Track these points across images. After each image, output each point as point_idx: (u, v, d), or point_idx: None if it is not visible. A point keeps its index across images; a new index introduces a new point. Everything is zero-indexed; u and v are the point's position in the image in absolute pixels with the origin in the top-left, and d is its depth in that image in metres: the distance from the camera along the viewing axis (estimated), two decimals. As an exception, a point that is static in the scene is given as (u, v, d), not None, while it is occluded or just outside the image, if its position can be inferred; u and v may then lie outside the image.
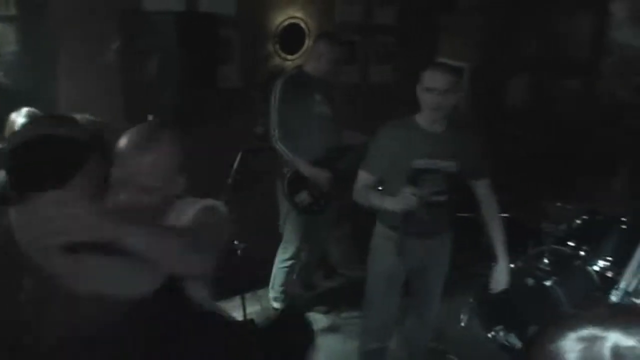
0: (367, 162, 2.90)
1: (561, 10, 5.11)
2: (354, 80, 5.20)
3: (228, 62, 4.27)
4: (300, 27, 4.70)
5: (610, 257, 3.70)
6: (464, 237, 3.12)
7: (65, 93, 3.61)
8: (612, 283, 3.02)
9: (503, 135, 4.55)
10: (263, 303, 4.22)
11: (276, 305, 4.18)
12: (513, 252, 3.84)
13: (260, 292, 4.33)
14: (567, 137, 4.93)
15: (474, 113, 5.61)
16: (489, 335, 3.70)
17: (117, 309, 1.46)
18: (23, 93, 3.38)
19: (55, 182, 1.44)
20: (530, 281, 3.53)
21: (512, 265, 3.73)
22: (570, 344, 0.88)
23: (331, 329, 4.09)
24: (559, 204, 3.93)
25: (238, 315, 3.57)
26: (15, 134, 2.35)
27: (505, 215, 3.99)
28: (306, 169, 3.73)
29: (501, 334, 3.66)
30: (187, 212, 1.66)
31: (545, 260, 3.62)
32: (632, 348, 0.85)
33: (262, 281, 4.25)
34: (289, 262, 4.07)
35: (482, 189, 2.97)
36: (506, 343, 3.62)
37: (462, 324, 3.79)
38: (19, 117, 2.85)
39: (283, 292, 4.16)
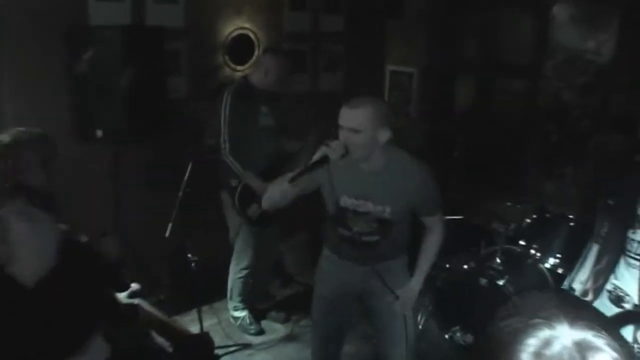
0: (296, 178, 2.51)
1: (505, 14, 5.25)
2: (305, 88, 5.22)
3: (177, 74, 4.25)
4: (249, 38, 4.69)
5: (560, 254, 3.80)
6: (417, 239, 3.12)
7: (12, 109, 3.52)
8: (564, 279, 3.10)
9: (451, 138, 4.61)
10: (220, 316, 4.18)
11: (237, 314, 4.15)
12: (466, 253, 3.93)
13: (217, 304, 4.29)
14: (514, 138, 5.05)
15: (422, 117, 5.71)
16: (446, 336, 3.75)
17: None
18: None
19: None
20: (483, 281, 3.59)
21: (465, 267, 3.82)
22: (518, 335, 0.89)
23: (289, 338, 4.08)
24: (509, 203, 4.00)
25: (195, 329, 3.53)
26: None
27: (458, 217, 4.09)
28: (255, 184, 3.71)
29: (458, 334, 3.71)
30: None
31: (498, 260, 3.70)
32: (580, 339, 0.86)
33: (219, 294, 4.22)
34: (245, 272, 4.04)
35: (430, 222, 2.79)
36: (463, 343, 3.67)
37: (420, 327, 3.82)
38: None
39: (242, 301, 4.13)
